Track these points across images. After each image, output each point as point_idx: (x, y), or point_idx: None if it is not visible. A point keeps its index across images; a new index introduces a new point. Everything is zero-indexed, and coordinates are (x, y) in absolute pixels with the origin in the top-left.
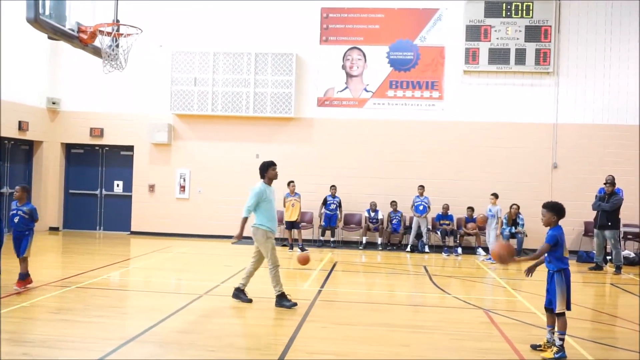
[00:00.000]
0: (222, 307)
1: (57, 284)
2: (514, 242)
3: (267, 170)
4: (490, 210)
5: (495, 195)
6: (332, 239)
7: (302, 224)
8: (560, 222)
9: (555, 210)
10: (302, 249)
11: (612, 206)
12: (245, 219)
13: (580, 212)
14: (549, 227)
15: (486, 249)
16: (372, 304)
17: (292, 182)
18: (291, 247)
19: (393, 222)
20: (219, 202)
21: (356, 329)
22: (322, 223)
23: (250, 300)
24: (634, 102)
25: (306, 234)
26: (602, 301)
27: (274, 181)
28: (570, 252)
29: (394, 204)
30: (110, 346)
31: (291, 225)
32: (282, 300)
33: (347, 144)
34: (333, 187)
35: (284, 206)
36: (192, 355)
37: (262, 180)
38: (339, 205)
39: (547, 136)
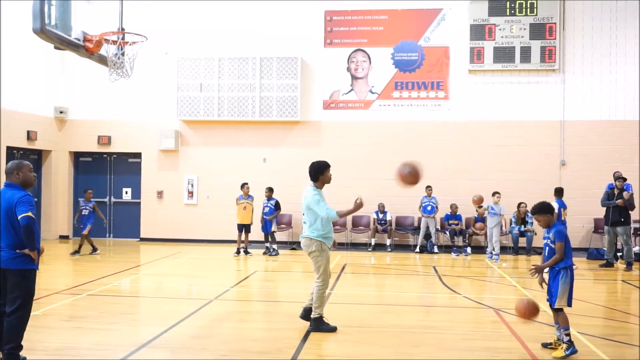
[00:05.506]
0: (233, 311)
1: (68, 291)
2: (523, 241)
3: (324, 172)
4: (492, 209)
5: (498, 194)
6: (273, 247)
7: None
8: (570, 219)
9: (547, 210)
10: (246, 252)
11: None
12: (341, 212)
13: (589, 209)
14: (548, 227)
15: (476, 248)
16: (382, 306)
17: (246, 184)
18: (238, 252)
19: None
20: (227, 207)
21: (367, 331)
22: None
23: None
24: None
25: None
26: (613, 298)
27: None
28: (581, 249)
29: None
30: (124, 352)
31: (243, 228)
32: (320, 325)
33: (354, 145)
34: (268, 189)
35: (238, 208)
36: None
37: (312, 184)
38: (275, 208)
39: (555, 133)
